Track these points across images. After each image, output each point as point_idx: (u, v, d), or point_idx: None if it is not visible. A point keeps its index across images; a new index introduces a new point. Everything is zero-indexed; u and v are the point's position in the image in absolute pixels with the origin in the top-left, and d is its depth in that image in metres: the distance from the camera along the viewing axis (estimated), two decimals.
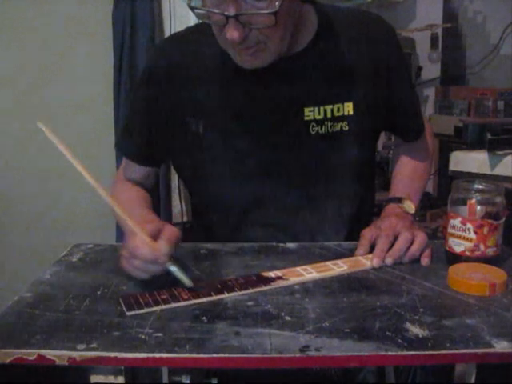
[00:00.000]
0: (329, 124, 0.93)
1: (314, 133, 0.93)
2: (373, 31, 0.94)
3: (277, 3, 0.75)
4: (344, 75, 0.93)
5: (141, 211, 0.93)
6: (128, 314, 0.67)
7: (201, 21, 0.90)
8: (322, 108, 0.92)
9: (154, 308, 0.68)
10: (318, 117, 0.92)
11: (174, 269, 0.74)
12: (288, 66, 0.91)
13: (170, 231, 0.76)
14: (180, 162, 1.03)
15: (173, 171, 1.97)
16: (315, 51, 0.92)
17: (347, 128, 0.93)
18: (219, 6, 0.77)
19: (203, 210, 1.06)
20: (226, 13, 0.75)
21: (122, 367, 0.61)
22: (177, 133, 0.97)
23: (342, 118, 0.93)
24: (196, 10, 0.79)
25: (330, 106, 0.92)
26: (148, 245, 0.72)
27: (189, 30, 1.00)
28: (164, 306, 0.69)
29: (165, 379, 0.72)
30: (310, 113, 0.92)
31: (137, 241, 0.73)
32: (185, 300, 0.70)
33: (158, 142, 1.00)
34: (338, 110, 0.93)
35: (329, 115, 0.92)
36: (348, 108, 0.93)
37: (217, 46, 0.88)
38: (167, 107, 0.96)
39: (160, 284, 0.75)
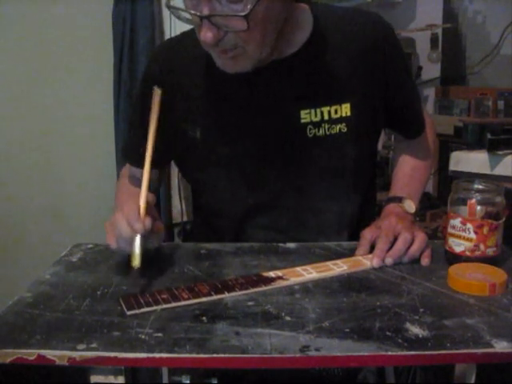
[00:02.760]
0: (326, 126, 0.92)
1: (311, 135, 0.92)
2: (370, 30, 0.93)
3: (249, 6, 0.74)
4: (341, 76, 0.92)
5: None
6: (128, 313, 0.67)
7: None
8: (318, 110, 0.91)
9: (154, 307, 0.68)
10: (314, 119, 0.92)
11: (137, 242, 0.75)
12: (283, 68, 0.90)
13: (157, 223, 0.81)
14: (181, 166, 1.03)
15: (173, 171, 1.97)
16: (310, 52, 0.91)
17: (346, 129, 0.93)
18: (196, 7, 0.77)
19: (204, 212, 1.06)
20: (198, 13, 0.75)
21: (122, 367, 0.61)
22: (175, 139, 0.97)
23: (340, 120, 0.92)
24: (173, 10, 0.79)
25: (327, 108, 0.91)
26: (138, 209, 0.78)
27: (184, 34, 0.99)
28: (164, 306, 0.69)
29: (165, 379, 0.73)
30: (306, 115, 0.91)
31: (133, 203, 0.79)
32: (185, 299, 0.70)
33: (158, 148, 1.00)
34: (336, 111, 0.92)
35: (326, 117, 0.92)
36: (346, 109, 0.92)
37: None
38: (164, 114, 0.96)
39: (160, 284, 0.76)
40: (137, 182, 1.06)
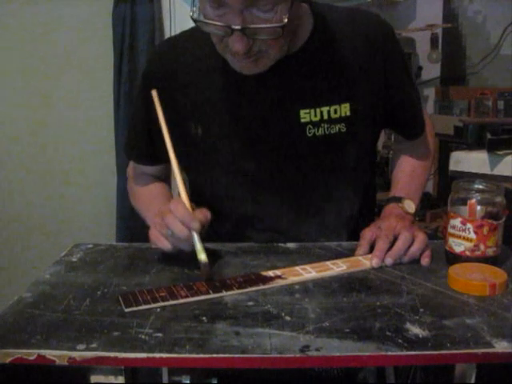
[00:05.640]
0: (326, 126, 0.92)
1: (310, 135, 0.92)
2: (370, 30, 0.93)
3: (284, 16, 0.75)
4: (340, 76, 0.92)
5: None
6: (126, 310, 0.67)
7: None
8: (318, 110, 0.91)
9: (153, 305, 0.68)
10: (314, 119, 0.92)
11: (196, 238, 0.78)
12: (283, 68, 0.90)
13: (204, 211, 0.82)
14: (182, 164, 1.03)
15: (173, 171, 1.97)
16: (310, 52, 0.91)
17: (345, 130, 0.92)
18: (222, 16, 0.76)
19: None
20: (232, 26, 0.75)
21: (122, 367, 0.61)
22: (176, 136, 0.97)
23: (340, 120, 0.92)
24: (199, 23, 0.79)
25: (327, 108, 0.91)
26: (187, 208, 0.79)
27: (184, 33, 0.99)
28: (162, 304, 0.69)
29: (165, 379, 0.72)
30: (305, 115, 0.91)
31: (179, 202, 0.80)
32: (183, 298, 0.70)
33: (160, 146, 1.01)
34: (335, 111, 0.92)
35: (325, 117, 0.92)
36: (345, 109, 0.92)
37: (212, 49, 0.87)
38: (165, 111, 0.96)
39: (160, 283, 0.76)
40: (147, 179, 1.08)
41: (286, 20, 0.75)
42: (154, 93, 0.87)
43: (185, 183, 0.84)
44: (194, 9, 0.78)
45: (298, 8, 0.85)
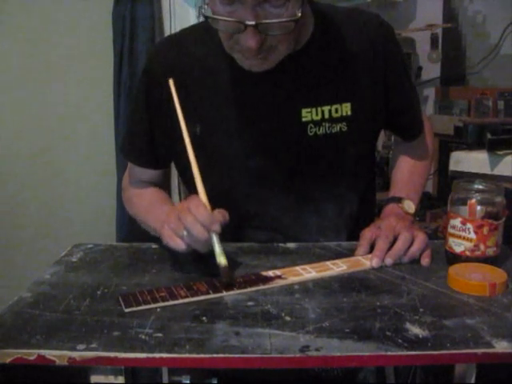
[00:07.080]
0: (327, 125, 0.92)
1: (311, 134, 0.92)
2: (370, 30, 0.93)
3: (297, 11, 0.75)
4: (341, 75, 0.92)
5: (167, 207, 0.94)
6: (126, 310, 0.67)
7: (199, 21, 0.90)
8: (319, 109, 0.92)
9: (153, 305, 0.68)
10: (315, 118, 0.92)
11: (216, 240, 0.76)
12: (285, 67, 0.90)
13: (223, 212, 0.79)
14: (181, 164, 1.03)
15: (173, 171, 1.96)
16: (312, 51, 0.92)
17: (346, 129, 0.93)
18: (233, 13, 0.76)
19: None
20: (246, 22, 0.75)
21: (122, 367, 0.61)
22: (176, 136, 0.96)
23: (341, 119, 0.92)
24: (210, 20, 0.79)
25: (328, 107, 0.92)
26: (208, 209, 0.77)
27: (184, 31, 0.99)
28: (162, 304, 0.69)
29: (165, 379, 0.72)
30: (307, 114, 0.91)
31: (199, 202, 0.77)
32: (183, 298, 0.70)
33: (159, 145, 1.00)
34: (336, 110, 0.92)
35: (326, 116, 0.92)
36: (346, 109, 0.92)
37: (212, 48, 0.87)
38: (164, 110, 0.95)
39: (160, 283, 0.76)
40: (145, 185, 1.05)
41: (299, 14, 0.75)
42: (171, 82, 0.85)
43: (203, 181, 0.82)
44: (206, 6, 0.79)
45: (305, 6, 0.85)
